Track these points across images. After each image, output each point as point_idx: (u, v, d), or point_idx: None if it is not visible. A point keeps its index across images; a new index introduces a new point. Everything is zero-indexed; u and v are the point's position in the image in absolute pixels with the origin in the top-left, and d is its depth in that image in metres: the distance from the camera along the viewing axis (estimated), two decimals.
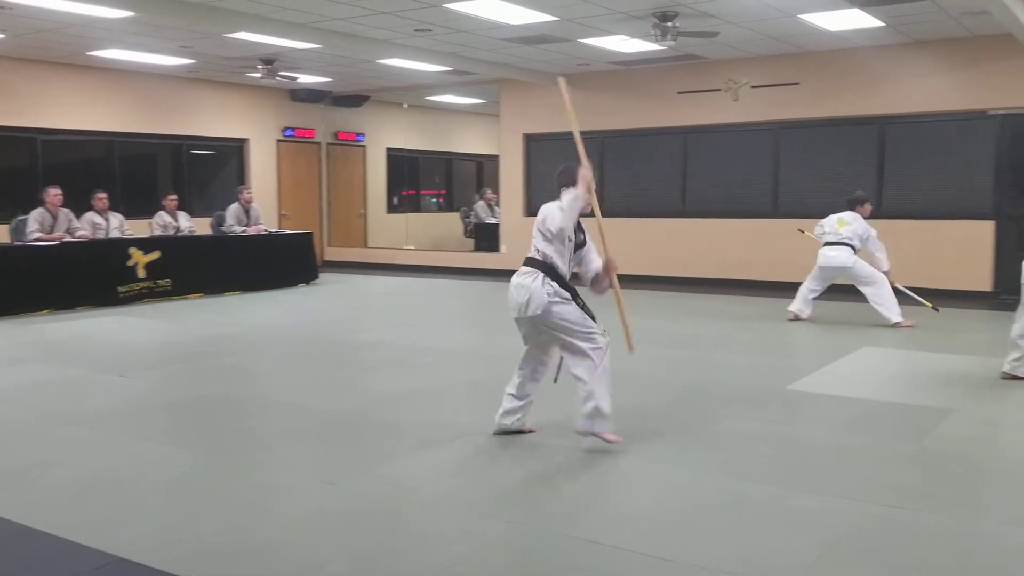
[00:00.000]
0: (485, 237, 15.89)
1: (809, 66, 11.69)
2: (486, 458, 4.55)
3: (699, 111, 12.50)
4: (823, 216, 9.25)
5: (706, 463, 4.34)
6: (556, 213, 4.41)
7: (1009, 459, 4.54)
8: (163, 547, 3.39)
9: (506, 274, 15.89)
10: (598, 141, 13.46)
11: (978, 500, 3.94)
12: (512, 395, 4.78)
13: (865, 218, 8.90)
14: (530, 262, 4.55)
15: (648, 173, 13.04)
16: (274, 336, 8.57)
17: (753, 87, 12.11)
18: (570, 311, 4.46)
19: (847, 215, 8.95)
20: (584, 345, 4.46)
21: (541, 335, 4.61)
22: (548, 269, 4.48)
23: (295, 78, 13.92)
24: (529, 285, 4.46)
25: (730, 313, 9.85)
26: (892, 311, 8.64)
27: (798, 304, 9.16)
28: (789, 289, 11.37)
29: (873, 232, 8.83)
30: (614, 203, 13.33)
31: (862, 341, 7.88)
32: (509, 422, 4.80)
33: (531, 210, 14.21)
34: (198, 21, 9.48)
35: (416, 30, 10.26)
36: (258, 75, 12.97)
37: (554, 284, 4.46)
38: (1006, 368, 6.32)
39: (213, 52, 11.84)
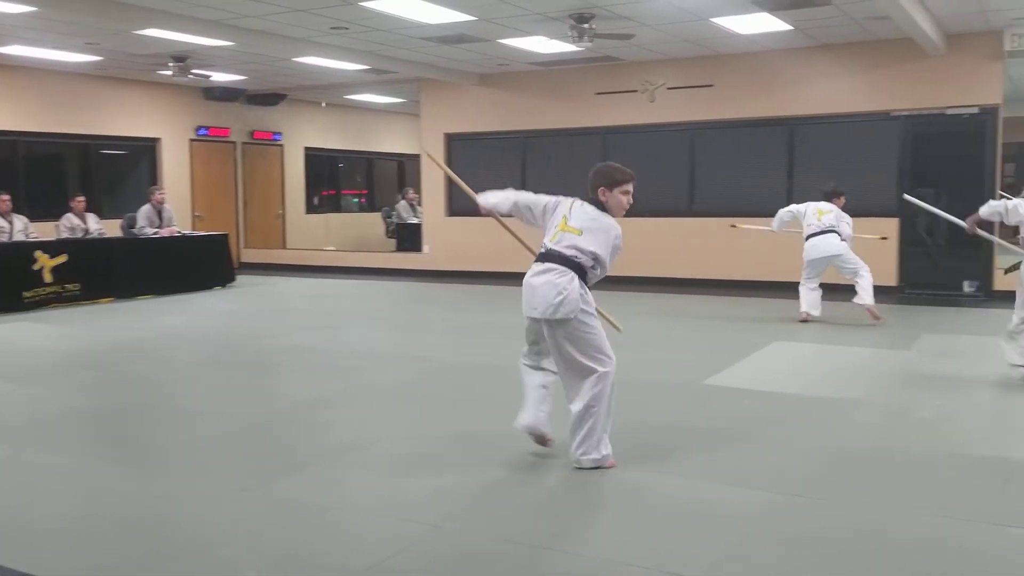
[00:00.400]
0: (407, 237, 15.80)
1: (722, 68, 11.95)
2: (406, 461, 4.53)
3: (617, 112, 12.66)
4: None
5: (620, 457, 4.40)
6: (614, 246, 4.25)
7: (913, 449, 4.72)
8: (74, 562, 3.29)
9: (429, 274, 15.80)
10: (519, 141, 13.54)
11: (884, 489, 4.08)
12: (543, 386, 4.41)
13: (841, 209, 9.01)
14: (560, 259, 4.17)
15: (568, 173, 13.13)
16: (188, 341, 8.38)
17: (669, 88, 12.32)
18: (595, 324, 4.22)
19: (824, 204, 8.98)
20: (593, 364, 4.17)
21: (547, 342, 4.27)
22: (580, 271, 4.18)
23: (208, 76, 13.61)
24: (564, 284, 4.10)
25: (645, 310, 10.00)
26: (869, 296, 8.79)
27: (808, 304, 9.01)
28: (704, 286, 11.61)
29: (849, 219, 8.92)
30: None
31: (774, 336, 8.10)
32: (544, 417, 4.41)
33: (453, 210, 14.20)
34: (103, 17, 9.18)
35: (332, 28, 10.15)
36: (169, 73, 12.65)
37: (587, 290, 4.20)
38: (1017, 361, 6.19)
39: (121, 49, 11.50)
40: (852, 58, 11.20)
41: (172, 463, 4.57)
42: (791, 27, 10.09)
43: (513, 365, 4.64)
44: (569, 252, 4.19)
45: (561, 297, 4.09)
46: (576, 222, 4.25)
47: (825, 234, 8.85)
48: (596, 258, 4.22)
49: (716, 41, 10.99)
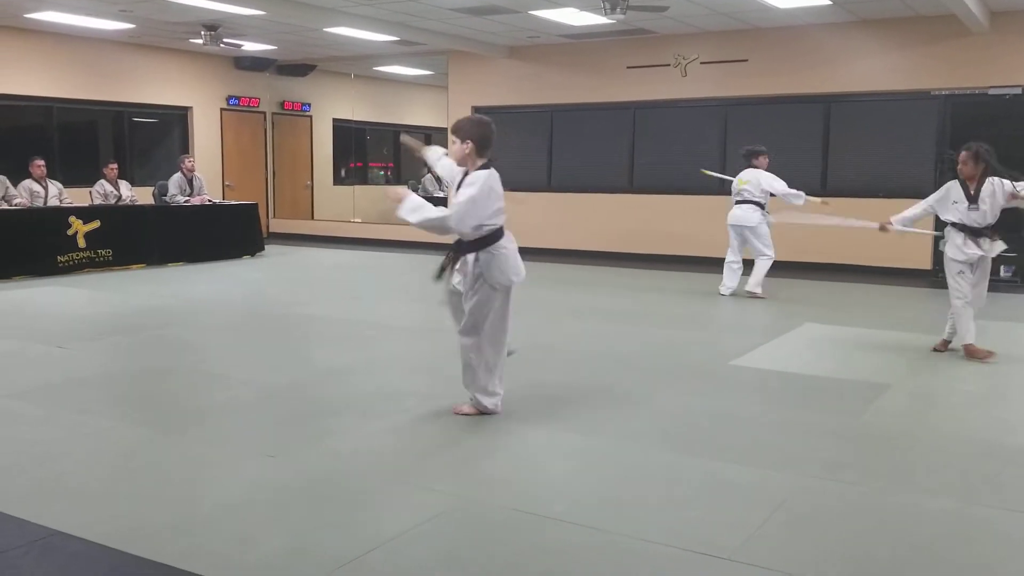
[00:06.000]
0: None
1: (758, 43, 11.77)
2: (429, 431, 4.53)
3: (648, 86, 12.51)
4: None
5: (645, 436, 4.38)
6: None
7: (940, 433, 4.65)
8: (100, 521, 3.33)
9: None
10: (546, 115, 13.44)
11: (909, 473, 4.03)
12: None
13: (765, 169, 9.05)
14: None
15: (597, 148, 13.05)
16: (217, 308, 8.44)
17: (702, 63, 12.16)
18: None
19: (746, 172, 9.14)
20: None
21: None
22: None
23: (240, 45, 13.62)
24: None
25: (674, 288, 9.93)
26: (758, 282, 9.00)
27: (735, 281, 9.22)
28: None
29: (777, 184, 8.92)
30: (562, 178, 13.34)
31: (805, 317, 8.01)
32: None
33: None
34: None
35: None
36: (201, 42, 12.66)
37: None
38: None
39: (153, 17, 11.52)
40: (892, 34, 10.97)
41: (197, 428, 4.60)
42: (830, 1, 9.89)
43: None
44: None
45: None
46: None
47: (744, 203, 9.01)
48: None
49: (753, 14, 10.81)
